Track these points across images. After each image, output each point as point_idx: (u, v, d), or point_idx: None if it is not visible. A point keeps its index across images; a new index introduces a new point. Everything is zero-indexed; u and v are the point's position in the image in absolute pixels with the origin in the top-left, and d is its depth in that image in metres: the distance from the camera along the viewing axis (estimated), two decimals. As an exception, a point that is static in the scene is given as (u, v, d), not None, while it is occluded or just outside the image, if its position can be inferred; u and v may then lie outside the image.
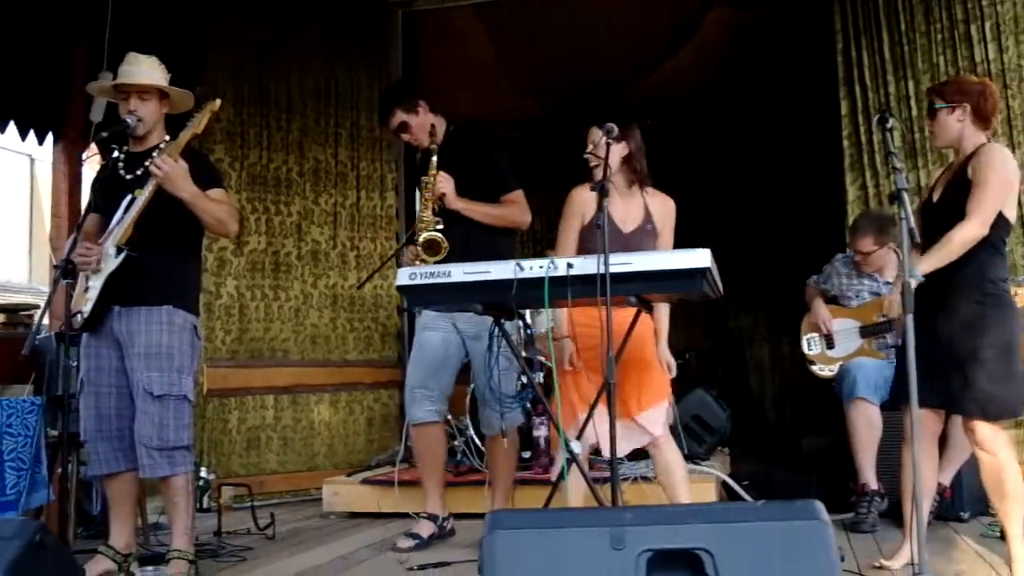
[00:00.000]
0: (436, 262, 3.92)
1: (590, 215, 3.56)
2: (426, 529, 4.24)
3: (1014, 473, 3.30)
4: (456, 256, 3.91)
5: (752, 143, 8.20)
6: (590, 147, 3.65)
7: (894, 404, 3.83)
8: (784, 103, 7.66)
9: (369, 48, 6.51)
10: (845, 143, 5.49)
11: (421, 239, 4.07)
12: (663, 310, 3.74)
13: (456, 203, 4.11)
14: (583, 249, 3.61)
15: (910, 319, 2.99)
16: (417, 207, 4.21)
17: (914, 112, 5.33)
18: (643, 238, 3.63)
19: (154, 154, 3.68)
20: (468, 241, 4.07)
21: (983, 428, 3.27)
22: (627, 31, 6.85)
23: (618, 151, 3.59)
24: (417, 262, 4.02)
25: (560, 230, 3.74)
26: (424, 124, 4.29)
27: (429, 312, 4.13)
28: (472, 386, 5.06)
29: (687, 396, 5.69)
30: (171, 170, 3.49)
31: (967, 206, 3.28)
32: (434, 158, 4.08)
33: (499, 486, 4.31)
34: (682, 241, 3.46)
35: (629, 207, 3.70)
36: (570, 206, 3.73)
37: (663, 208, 3.75)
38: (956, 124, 3.44)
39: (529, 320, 3.94)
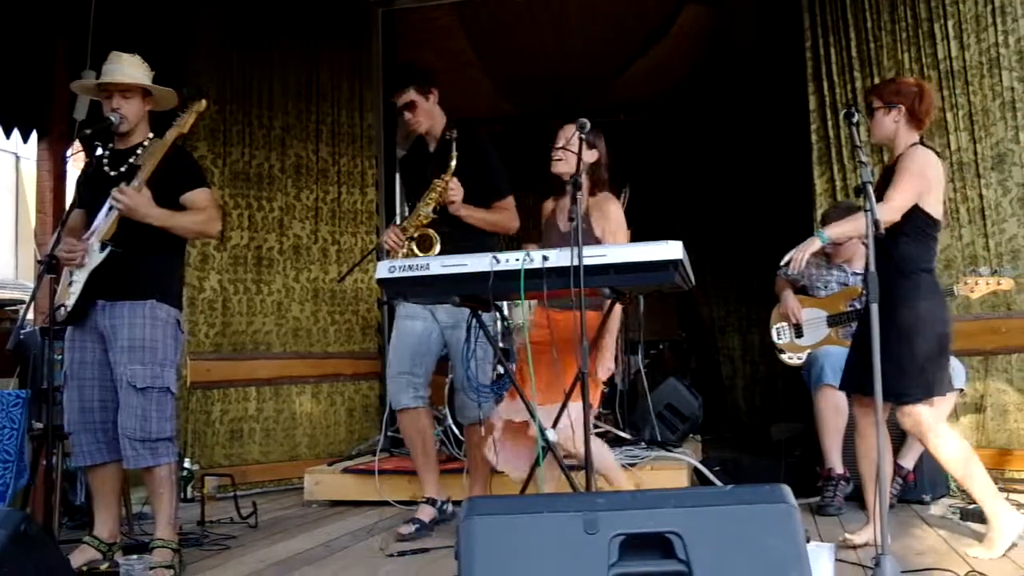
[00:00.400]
0: None
1: (547, 216, 3.71)
2: (427, 514, 4.24)
3: (955, 444, 3.42)
4: (447, 253, 3.90)
5: (724, 138, 8.23)
6: (561, 142, 3.67)
7: (846, 393, 3.87)
8: (755, 99, 7.69)
9: (350, 46, 6.49)
10: (813, 137, 5.52)
11: (416, 233, 4.06)
12: (615, 316, 3.68)
13: (461, 211, 4.12)
14: (544, 245, 3.66)
15: (875, 308, 3.00)
16: (398, 202, 4.19)
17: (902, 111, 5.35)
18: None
19: (138, 151, 3.67)
20: (458, 239, 4.05)
21: (921, 410, 3.37)
22: (602, 29, 6.86)
23: (587, 157, 3.64)
24: (401, 253, 4.02)
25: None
26: (430, 112, 4.28)
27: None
28: (450, 376, 5.07)
29: (660, 385, 5.75)
30: (130, 202, 3.49)
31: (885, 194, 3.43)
32: (453, 163, 4.03)
33: (477, 474, 4.31)
34: (656, 234, 3.44)
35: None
36: (542, 216, 3.86)
37: (603, 210, 3.76)
38: (892, 124, 3.55)
39: (507, 312, 3.96)
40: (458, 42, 7.09)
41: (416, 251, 4.03)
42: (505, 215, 4.23)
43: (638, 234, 5.59)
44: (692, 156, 8.45)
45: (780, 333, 5.00)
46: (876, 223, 3.00)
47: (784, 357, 4.99)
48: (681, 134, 8.43)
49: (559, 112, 3.81)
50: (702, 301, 8.69)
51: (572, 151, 3.57)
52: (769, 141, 7.43)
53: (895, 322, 3.35)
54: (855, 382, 3.60)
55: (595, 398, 3.62)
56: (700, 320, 8.72)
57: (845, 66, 5.47)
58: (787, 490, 2.26)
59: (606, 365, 3.65)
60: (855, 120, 3.27)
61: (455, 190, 4.05)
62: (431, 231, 4.05)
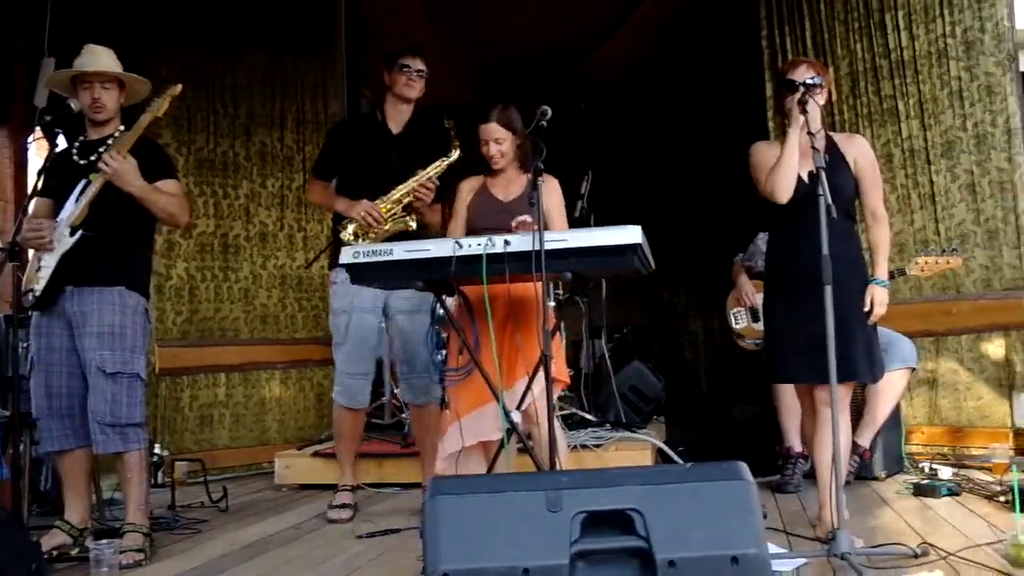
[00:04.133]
0: None
1: (471, 197, 3.72)
2: (352, 497, 4.27)
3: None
4: None
5: (685, 126, 8.22)
6: (493, 147, 3.67)
7: (774, 379, 3.83)
8: (715, 87, 7.71)
9: (314, 33, 6.43)
10: (770, 125, 5.56)
11: (389, 229, 4.01)
12: None
13: (432, 217, 4.13)
14: (470, 222, 3.68)
15: (828, 291, 3.02)
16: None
17: (833, 96, 5.38)
18: (522, 206, 3.52)
19: (109, 141, 3.63)
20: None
21: (844, 390, 3.35)
22: (564, 15, 6.84)
23: (513, 141, 3.66)
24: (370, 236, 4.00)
25: (452, 219, 3.80)
26: (421, 88, 4.25)
27: (363, 292, 4.03)
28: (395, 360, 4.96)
29: (624, 368, 5.78)
30: (119, 167, 3.46)
31: (871, 202, 3.46)
32: (445, 161, 4.01)
33: (429, 456, 4.23)
34: (617, 218, 3.45)
35: (511, 184, 3.73)
36: (459, 195, 3.79)
37: (544, 185, 3.69)
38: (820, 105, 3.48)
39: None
40: (422, 28, 7.03)
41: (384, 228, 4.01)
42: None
43: (600, 219, 5.70)
44: (653, 143, 8.45)
45: (737, 318, 5.06)
46: (829, 208, 3.01)
47: (741, 342, 5.05)
48: (642, 121, 8.42)
49: (522, 99, 3.77)
50: (664, 287, 8.73)
51: (501, 146, 3.64)
52: (728, 129, 7.46)
53: (858, 301, 3.34)
54: (819, 368, 3.23)
55: (562, 373, 3.59)
56: (663, 305, 8.77)
57: (800, 54, 5.52)
58: (744, 467, 2.29)
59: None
60: (808, 108, 3.28)
61: (432, 193, 4.03)
62: (404, 227, 4.03)
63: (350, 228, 4.05)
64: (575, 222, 5.42)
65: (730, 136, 7.54)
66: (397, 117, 4.26)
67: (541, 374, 3.10)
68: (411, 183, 4.03)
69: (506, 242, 3.04)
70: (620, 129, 8.43)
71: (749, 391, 5.68)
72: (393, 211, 4.04)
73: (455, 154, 4.01)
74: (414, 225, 4.04)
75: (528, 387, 3.32)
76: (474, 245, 3.08)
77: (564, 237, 3.02)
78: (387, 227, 4.03)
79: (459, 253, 3.08)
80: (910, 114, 5.20)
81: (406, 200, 4.04)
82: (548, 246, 2.97)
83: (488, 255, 3.05)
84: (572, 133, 7.68)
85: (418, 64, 4.22)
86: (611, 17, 6.97)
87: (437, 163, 4.04)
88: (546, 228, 3.05)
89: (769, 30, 5.74)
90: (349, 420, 4.29)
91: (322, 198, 4.40)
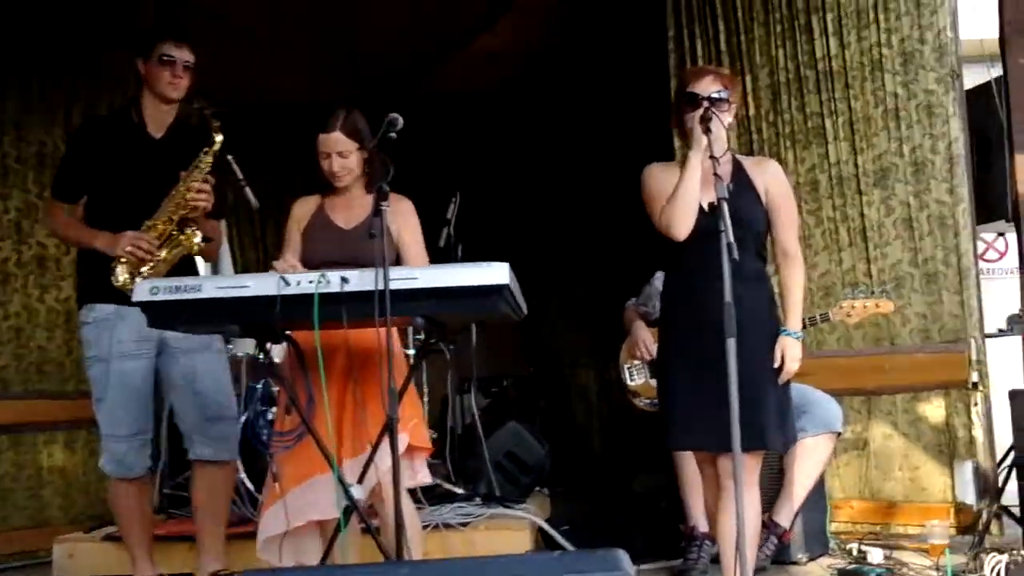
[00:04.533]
0: None
1: (306, 222, 3.76)
2: None
3: None
4: None
5: (576, 140, 8.32)
6: (336, 163, 3.69)
7: (669, 445, 3.88)
8: (614, 96, 7.81)
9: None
10: (676, 143, 5.56)
11: (168, 258, 3.95)
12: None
13: (213, 231, 4.13)
14: (306, 253, 3.69)
15: (732, 344, 3.11)
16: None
17: (751, 111, 5.67)
18: (365, 235, 3.47)
19: None
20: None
21: (752, 459, 3.46)
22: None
23: (360, 155, 3.69)
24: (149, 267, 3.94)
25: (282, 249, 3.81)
26: (187, 86, 4.10)
27: (123, 330, 3.94)
28: (168, 407, 4.71)
29: (498, 431, 5.81)
30: None
31: (783, 239, 3.58)
32: (208, 152, 3.90)
33: (215, 529, 4.16)
34: (491, 248, 3.52)
35: (354, 207, 3.76)
36: (290, 219, 3.82)
37: (395, 208, 3.64)
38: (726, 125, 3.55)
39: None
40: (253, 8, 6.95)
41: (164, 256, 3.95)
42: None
43: (471, 249, 5.72)
44: (539, 160, 8.49)
45: (631, 373, 5.14)
46: (730, 246, 3.09)
47: (637, 402, 5.13)
48: (525, 134, 8.44)
49: (377, 100, 3.78)
50: (551, 332, 8.79)
51: (346, 161, 3.66)
52: (629, 145, 7.55)
53: (767, 356, 3.45)
54: (720, 434, 3.26)
55: (421, 438, 3.63)
56: (550, 353, 8.85)
57: (713, 60, 5.68)
58: (623, 557, 2.36)
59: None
60: (713, 126, 3.37)
61: (208, 196, 3.95)
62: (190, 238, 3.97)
63: (120, 272, 3.91)
64: (438, 253, 5.47)
65: (631, 154, 7.63)
66: (159, 118, 4.14)
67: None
68: (180, 191, 3.93)
69: (343, 280, 3.04)
70: (498, 142, 8.43)
71: (652, 458, 5.74)
72: (166, 232, 3.97)
73: (218, 139, 3.90)
74: (199, 241, 3.95)
75: (371, 456, 3.32)
76: (304, 282, 3.07)
77: (414, 275, 3.03)
78: (164, 255, 3.95)
79: (285, 292, 3.06)
80: (839, 135, 5.44)
81: (180, 214, 3.96)
82: (395, 286, 2.98)
83: (321, 295, 3.03)
84: (438, 146, 7.71)
85: (185, 55, 4.07)
86: (484, 4, 7.00)
87: (199, 157, 3.93)
88: (396, 262, 3.08)
89: (677, 30, 5.89)
90: (127, 493, 4.17)
91: (68, 230, 4.23)
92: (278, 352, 3.54)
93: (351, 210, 3.75)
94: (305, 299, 3.05)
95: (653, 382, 5.00)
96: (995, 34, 4.64)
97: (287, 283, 3.08)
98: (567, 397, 8.83)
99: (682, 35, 5.88)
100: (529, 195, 8.51)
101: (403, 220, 3.71)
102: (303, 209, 3.81)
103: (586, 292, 8.42)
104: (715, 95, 3.47)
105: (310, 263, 3.57)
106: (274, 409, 4.24)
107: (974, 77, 5.32)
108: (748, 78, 5.61)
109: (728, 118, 3.53)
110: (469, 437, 5.99)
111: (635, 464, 7.21)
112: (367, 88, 7.02)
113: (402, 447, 3.34)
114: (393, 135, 3.25)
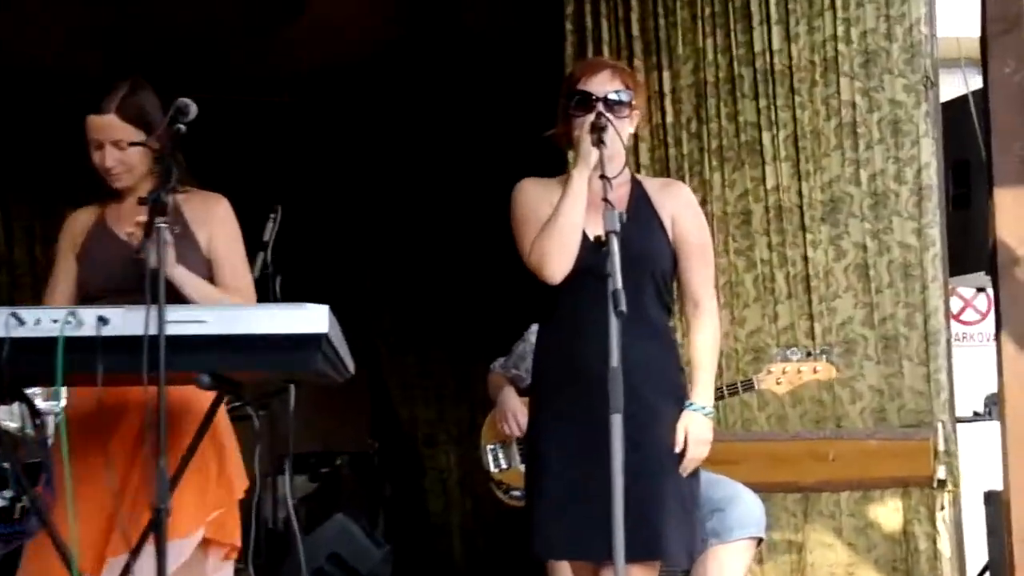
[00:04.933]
0: None
1: (82, 239, 3.66)
2: None
3: None
4: None
5: (443, 145, 8.25)
6: (111, 155, 3.55)
7: (535, 551, 3.72)
8: (492, 89, 7.75)
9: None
10: (569, 156, 5.55)
11: None
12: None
13: None
14: (84, 275, 3.61)
15: (618, 421, 2.95)
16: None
17: (668, 117, 5.58)
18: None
19: None
20: None
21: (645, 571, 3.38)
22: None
23: (144, 151, 3.55)
24: None
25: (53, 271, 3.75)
26: None
27: None
28: None
29: (322, 526, 5.78)
30: None
31: (694, 284, 3.55)
32: None
33: None
34: (322, 290, 3.44)
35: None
36: (64, 233, 3.74)
37: (203, 207, 3.66)
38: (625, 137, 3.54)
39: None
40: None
41: None
42: None
43: (292, 288, 5.52)
44: (391, 171, 8.40)
45: (497, 457, 5.05)
46: (616, 294, 2.97)
47: (502, 494, 5.04)
48: (374, 134, 8.34)
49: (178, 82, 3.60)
50: (402, 398, 8.66)
51: (124, 154, 3.53)
52: (510, 158, 7.47)
53: (668, 437, 3.38)
54: (603, 539, 3.24)
55: (225, 531, 3.58)
56: (400, 426, 8.75)
57: (622, 49, 5.62)
58: None
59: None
60: (607, 135, 3.28)
61: None
62: None
63: None
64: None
65: (511, 168, 7.57)
66: None
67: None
68: None
69: (101, 320, 2.84)
70: (337, 145, 8.32)
71: (526, 567, 5.69)
72: None
73: None
74: None
75: (130, 561, 3.16)
76: (46, 321, 2.87)
77: (202, 317, 2.87)
78: None
79: (16, 334, 2.85)
80: (779, 154, 5.40)
81: None
82: (175, 330, 2.82)
83: (68, 340, 2.83)
84: (253, 148, 7.71)
85: None
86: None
87: None
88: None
89: (577, 6, 5.79)
90: None
91: None
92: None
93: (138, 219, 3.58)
94: (46, 345, 2.83)
95: (523, 468, 4.87)
96: (975, 32, 4.55)
97: (20, 321, 2.87)
98: (420, 484, 8.74)
99: (583, 14, 5.78)
100: (374, 214, 8.43)
101: (217, 227, 3.63)
102: (80, 220, 3.72)
103: (450, 347, 8.38)
104: (612, 96, 3.45)
105: (90, 292, 3.52)
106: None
107: (951, 87, 5.32)
108: (666, 74, 5.57)
109: (628, 127, 3.55)
110: (283, 533, 5.86)
111: (502, 568, 7.21)
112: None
113: (186, 551, 3.30)
114: (181, 127, 3.08)
